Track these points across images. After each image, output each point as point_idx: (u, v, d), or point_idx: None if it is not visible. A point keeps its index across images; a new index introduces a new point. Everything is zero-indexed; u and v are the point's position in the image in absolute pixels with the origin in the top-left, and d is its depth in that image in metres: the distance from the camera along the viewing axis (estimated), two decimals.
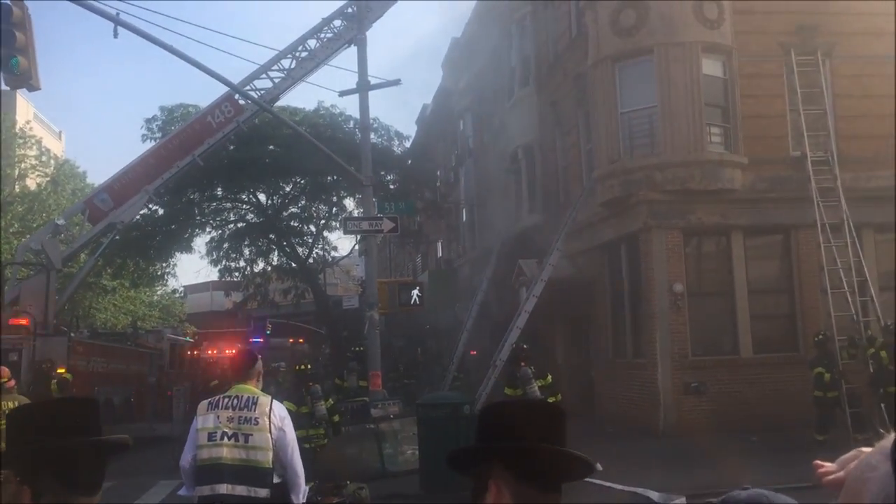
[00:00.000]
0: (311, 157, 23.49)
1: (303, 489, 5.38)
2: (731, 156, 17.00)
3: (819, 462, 1.43)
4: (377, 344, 17.11)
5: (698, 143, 16.73)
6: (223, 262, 31.75)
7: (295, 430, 5.53)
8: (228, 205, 30.91)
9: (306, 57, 20.73)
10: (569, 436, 2.03)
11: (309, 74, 20.84)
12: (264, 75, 20.72)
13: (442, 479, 11.30)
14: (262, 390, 5.64)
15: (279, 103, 23.77)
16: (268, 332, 39.62)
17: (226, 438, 5.15)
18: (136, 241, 26.87)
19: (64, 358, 16.84)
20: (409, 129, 51.52)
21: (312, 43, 20.84)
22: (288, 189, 30.24)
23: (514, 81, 25.22)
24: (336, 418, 12.97)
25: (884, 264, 16.92)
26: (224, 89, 19.59)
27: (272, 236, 30.84)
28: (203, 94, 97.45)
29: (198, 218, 29.38)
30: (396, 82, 18.51)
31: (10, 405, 9.16)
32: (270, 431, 5.19)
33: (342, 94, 19.09)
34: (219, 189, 28.83)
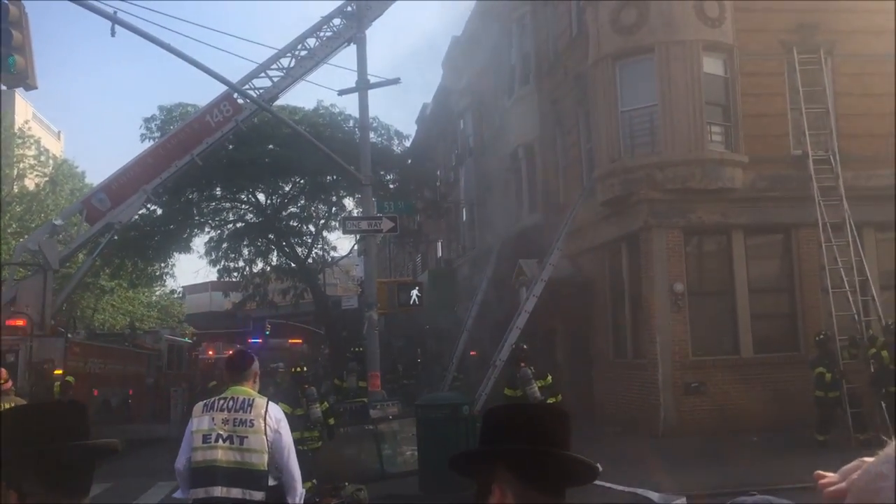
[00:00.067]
0: (310, 157, 23.43)
1: (299, 492, 5.30)
2: (732, 155, 16.95)
3: (820, 473, 1.36)
4: (376, 344, 17.05)
5: (699, 141, 16.68)
6: (222, 263, 31.72)
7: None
8: (227, 205, 30.85)
9: (305, 56, 20.65)
10: (573, 439, 2.01)
11: (308, 73, 20.77)
12: (263, 74, 20.64)
13: (441, 480, 11.24)
14: (261, 391, 5.57)
15: (278, 102, 23.70)
16: (267, 333, 39.59)
17: (220, 440, 5.08)
18: (134, 242, 26.83)
19: (61, 359, 16.77)
20: (409, 128, 51.55)
21: (312, 42, 20.77)
22: (287, 189, 30.19)
23: (514, 80, 25.17)
24: (331, 421, 12.90)
25: (884, 263, 16.86)
26: (223, 88, 19.53)
27: (271, 236, 30.78)
28: (202, 93, 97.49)
29: (196, 218, 29.32)
30: (396, 81, 18.46)
31: (8, 406, 9.09)
32: (266, 433, 5.11)
33: (341, 92, 19.04)
34: (218, 189, 28.77)
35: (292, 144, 25.13)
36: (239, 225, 31.29)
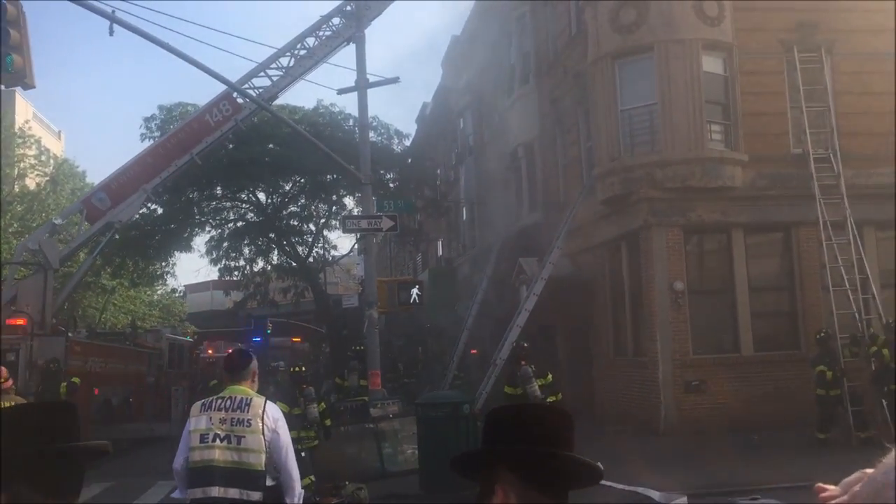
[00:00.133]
0: (310, 156, 23.42)
1: (297, 492, 5.28)
2: (732, 153, 16.94)
3: (821, 486, 1.35)
4: (376, 343, 17.05)
5: (699, 140, 16.67)
6: (223, 262, 31.67)
7: None
8: (228, 204, 30.81)
9: (305, 55, 20.62)
10: (576, 441, 2.01)
11: (308, 73, 20.75)
12: (263, 73, 20.62)
13: (442, 478, 11.24)
14: (262, 390, 5.55)
15: (278, 102, 23.69)
16: (268, 332, 39.61)
17: (218, 440, 5.06)
18: (135, 241, 26.82)
19: (61, 358, 16.77)
20: (409, 127, 51.54)
21: (311, 41, 20.74)
22: (287, 188, 30.15)
23: (513, 79, 25.17)
24: (328, 422, 12.91)
25: (885, 262, 16.85)
26: (223, 88, 19.52)
27: (272, 235, 30.74)
28: (202, 92, 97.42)
29: (197, 217, 29.28)
30: (395, 80, 18.47)
31: (8, 405, 9.09)
32: (263, 433, 5.10)
33: (341, 91, 19.06)
34: (218, 188, 28.74)
35: (292, 144, 25.11)
36: (239, 224, 31.25)
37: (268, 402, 5.29)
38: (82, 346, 18.91)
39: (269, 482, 5.18)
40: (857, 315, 15.51)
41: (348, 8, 20.09)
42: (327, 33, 20.55)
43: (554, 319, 21.44)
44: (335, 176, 27.47)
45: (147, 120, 28.38)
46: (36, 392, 15.78)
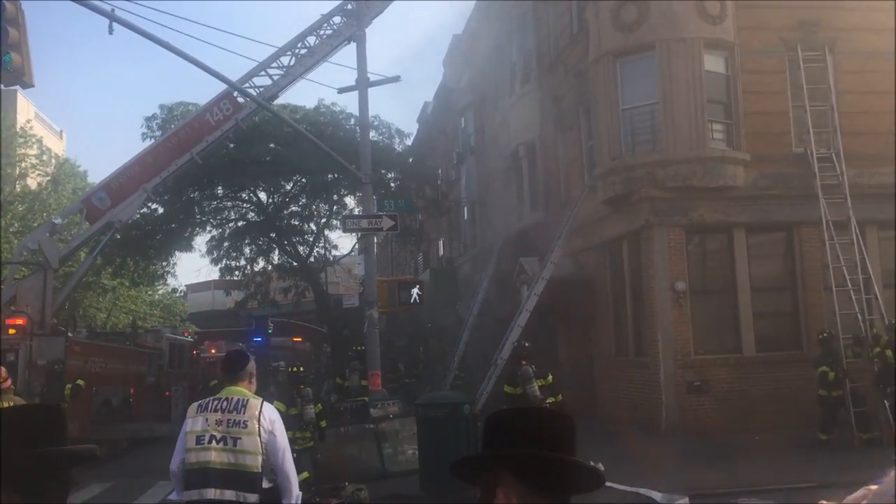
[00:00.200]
0: (311, 156, 23.40)
1: (295, 494, 5.24)
2: (734, 153, 16.88)
3: (824, 502, 1.31)
4: (377, 343, 17.01)
5: (700, 139, 16.61)
6: (224, 261, 31.66)
7: None
8: (229, 203, 30.79)
9: (306, 54, 20.57)
10: (577, 442, 2.00)
11: (308, 72, 20.70)
12: (263, 72, 20.58)
13: (442, 479, 11.17)
14: (262, 390, 5.51)
15: (279, 101, 23.65)
16: (269, 332, 39.58)
17: (214, 442, 5.02)
18: (136, 240, 26.80)
19: (61, 358, 16.73)
20: (411, 126, 51.48)
21: (312, 40, 20.69)
22: (288, 187, 30.10)
23: (515, 78, 25.13)
24: (323, 424, 12.89)
25: (887, 262, 16.79)
26: (224, 87, 19.47)
27: (273, 235, 30.73)
28: (204, 91, 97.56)
29: (198, 217, 29.25)
30: (396, 79, 18.44)
31: (7, 405, 9.06)
32: (260, 435, 5.05)
33: (341, 90, 19.03)
34: (219, 187, 28.73)
35: (293, 143, 25.09)
36: (240, 224, 31.24)
37: (264, 403, 5.25)
38: (82, 346, 18.86)
39: (266, 484, 5.14)
40: (859, 315, 15.45)
41: (349, 6, 20.05)
42: (328, 32, 20.50)
43: (555, 319, 21.39)
44: (336, 175, 27.43)
45: (148, 119, 28.39)
46: (41, 393, 15.77)
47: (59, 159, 44.61)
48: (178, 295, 51.22)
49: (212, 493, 4.95)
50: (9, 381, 10.67)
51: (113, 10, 14.16)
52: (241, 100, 20.24)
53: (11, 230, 31.55)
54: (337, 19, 20.46)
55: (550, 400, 12.63)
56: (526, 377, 12.65)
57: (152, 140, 25.58)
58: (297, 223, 31.51)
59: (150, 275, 33.23)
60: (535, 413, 2.28)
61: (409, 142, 33.68)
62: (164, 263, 32.46)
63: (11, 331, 16.52)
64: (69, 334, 18.74)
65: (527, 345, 13.88)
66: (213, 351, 33.98)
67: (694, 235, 17.23)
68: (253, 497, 4.99)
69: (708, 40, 16.83)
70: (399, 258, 47.40)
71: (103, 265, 28.34)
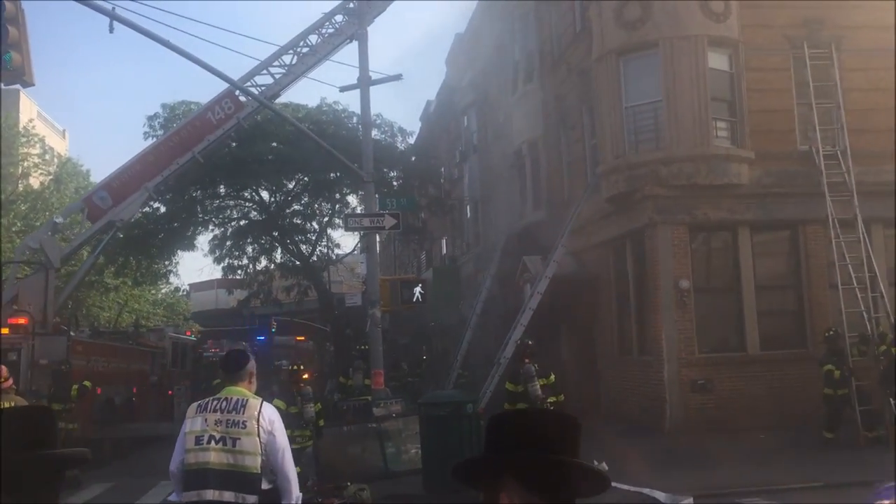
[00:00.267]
0: (313, 154, 23.37)
1: (295, 495, 5.18)
2: (738, 150, 16.80)
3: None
4: (379, 342, 16.96)
5: (704, 137, 16.53)
6: (226, 260, 31.66)
7: None
8: (231, 202, 30.78)
9: (307, 52, 20.53)
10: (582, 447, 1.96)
11: (310, 70, 20.67)
12: (265, 71, 20.55)
13: (445, 479, 11.10)
14: (264, 389, 5.46)
15: (281, 100, 23.62)
16: (273, 331, 39.49)
17: (213, 442, 4.96)
18: (138, 239, 26.80)
19: (63, 357, 16.70)
20: (413, 125, 51.44)
21: (314, 38, 20.66)
22: (291, 186, 30.10)
23: (518, 77, 25.08)
24: (321, 422, 12.88)
25: (892, 259, 16.70)
26: (227, 86, 19.43)
27: (275, 234, 30.71)
28: (206, 90, 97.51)
29: (200, 216, 29.24)
30: (398, 77, 18.40)
31: (8, 405, 9.02)
32: (259, 435, 4.99)
33: (343, 89, 19.00)
34: (221, 186, 28.71)
35: (295, 142, 25.07)
36: (243, 222, 31.23)
37: (264, 403, 5.19)
38: (84, 346, 18.84)
39: (265, 485, 5.08)
40: (865, 314, 15.38)
41: (351, 5, 20.01)
42: (330, 30, 20.47)
43: (558, 318, 21.34)
44: (338, 174, 27.39)
45: (150, 118, 28.39)
46: (48, 394, 15.77)
47: (61, 158, 44.69)
48: (181, 294, 51.30)
49: (211, 494, 4.90)
50: (10, 381, 10.63)
51: (114, 8, 14.13)
52: (242, 98, 20.22)
53: (14, 229, 31.60)
54: (339, 18, 20.43)
55: (552, 399, 12.55)
56: (528, 375, 12.59)
57: (154, 139, 25.57)
58: (299, 222, 31.49)
59: (153, 274, 33.26)
60: (539, 415, 2.24)
61: (411, 140, 33.66)
62: (166, 262, 32.49)
63: (5, 330, 16.47)
64: (71, 333, 18.70)
65: (530, 343, 13.82)
66: (214, 350, 33.91)
67: (698, 234, 17.16)
68: (252, 498, 4.93)
69: (712, 38, 16.75)
70: (402, 257, 47.38)
71: (106, 264, 28.34)
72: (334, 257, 35.14)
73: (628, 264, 18.19)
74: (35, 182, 38.56)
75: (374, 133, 25.52)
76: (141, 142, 33.57)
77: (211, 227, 30.76)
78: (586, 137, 20.27)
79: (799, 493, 10.64)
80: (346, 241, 55.65)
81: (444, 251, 37.68)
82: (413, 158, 31.80)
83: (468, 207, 31.56)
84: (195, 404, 5.26)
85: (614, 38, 17.48)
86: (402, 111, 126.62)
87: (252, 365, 5.39)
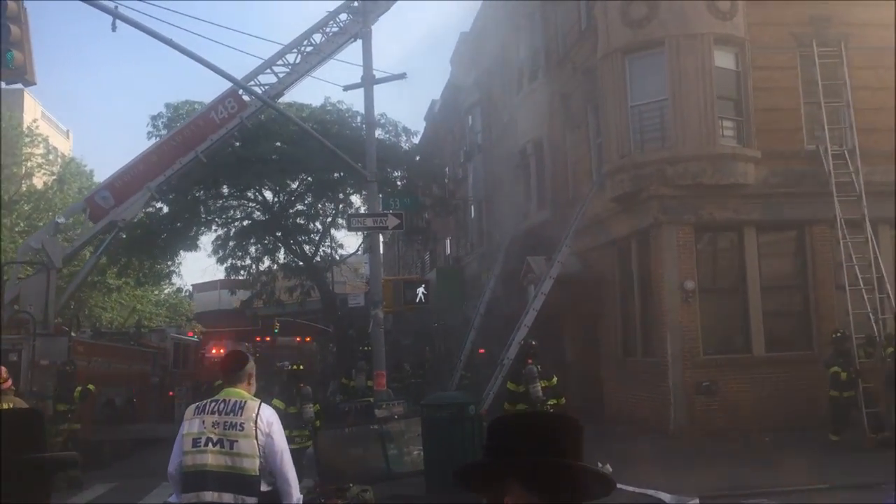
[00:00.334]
0: (317, 154, 23.32)
1: (295, 497, 5.10)
2: (744, 150, 16.70)
3: None
4: (382, 343, 16.86)
5: (710, 136, 16.43)
6: (229, 261, 31.63)
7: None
8: (234, 202, 30.74)
9: (311, 52, 20.45)
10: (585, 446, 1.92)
11: (314, 69, 20.58)
12: (269, 70, 20.48)
13: (447, 480, 10.98)
14: (266, 390, 5.37)
15: (285, 99, 23.57)
16: (276, 331, 39.46)
17: (210, 444, 4.89)
18: (141, 240, 26.77)
19: (65, 358, 16.63)
20: (418, 124, 51.50)
21: (318, 37, 20.58)
22: (294, 186, 30.06)
23: (523, 76, 25.02)
24: (318, 423, 12.83)
25: None
26: (230, 85, 19.36)
27: (278, 234, 30.66)
28: (209, 90, 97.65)
29: (203, 216, 29.20)
30: (402, 76, 18.29)
31: (7, 406, 8.95)
32: (257, 437, 4.92)
33: (346, 88, 18.95)
34: (224, 187, 28.67)
35: (299, 141, 25.03)
36: (246, 223, 31.19)
37: (262, 405, 5.11)
38: (85, 346, 18.73)
39: (265, 487, 5.01)
40: (872, 315, 15.27)
41: (355, 4, 19.93)
42: (334, 29, 20.39)
43: (562, 319, 21.27)
44: (342, 174, 27.34)
45: (154, 118, 28.36)
46: (53, 394, 15.73)
47: (65, 159, 44.73)
48: (183, 294, 51.31)
49: (209, 496, 4.83)
50: (9, 382, 10.54)
51: (117, 7, 14.06)
52: (246, 98, 20.14)
53: (17, 229, 31.61)
54: (343, 17, 20.35)
55: (552, 402, 12.48)
56: (530, 376, 12.52)
57: (157, 139, 25.52)
58: (302, 222, 31.44)
59: (156, 274, 33.21)
60: (541, 418, 2.20)
61: (416, 140, 33.63)
62: (169, 263, 32.44)
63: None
64: (72, 334, 18.63)
65: (534, 343, 13.77)
66: (216, 351, 33.87)
67: (704, 234, 17.07)
68: (251, 500, 4.87)
69: (718, 36, 16.66)
70: (406, 257, 47.34)
71: (108, 264, 28.31)
72: (338, 258, 35.10)
73: (633, 264, 18.11)
74: (39, 182, 38.58)
75: (378, 132, 25.45)
76: (144, 141, 33.60)
77: (214, 228, 30.73)
78: (591, 136, 20.19)
79: (805, 494, 10.56)
80: (349, 241, 55.79)
81: (448, 251, 37.64)
82: (417, 158, 31.77)
83: (472, 207, 31.52)
84: (193, 406, 5.19)
85: (620, 37, 17.39)
86: (406, 110, 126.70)
87: (251, 366, 5.32)
